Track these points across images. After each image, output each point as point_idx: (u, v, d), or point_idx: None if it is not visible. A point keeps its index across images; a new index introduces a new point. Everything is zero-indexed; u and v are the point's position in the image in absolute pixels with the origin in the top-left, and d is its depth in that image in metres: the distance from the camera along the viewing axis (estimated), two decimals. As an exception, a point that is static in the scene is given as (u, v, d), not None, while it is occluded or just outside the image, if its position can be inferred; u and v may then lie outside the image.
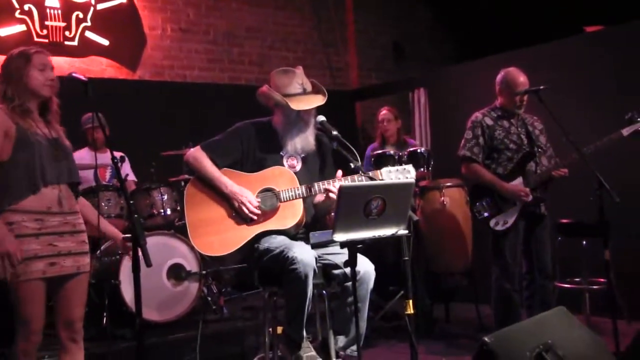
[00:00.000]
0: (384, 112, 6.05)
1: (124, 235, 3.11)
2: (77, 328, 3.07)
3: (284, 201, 3.41)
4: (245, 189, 3.41)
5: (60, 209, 2.98)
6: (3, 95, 2.97)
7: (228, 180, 3.42)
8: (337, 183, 3.33)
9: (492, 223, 4.29)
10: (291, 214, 3.40)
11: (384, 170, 3.36)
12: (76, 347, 3.08)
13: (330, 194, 3.33)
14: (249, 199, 3.38)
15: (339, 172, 3.41)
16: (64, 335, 3.06)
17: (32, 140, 2.93)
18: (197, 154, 3.49)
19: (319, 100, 3.48)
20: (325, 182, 3.38)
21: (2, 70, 3.02)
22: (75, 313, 3.07)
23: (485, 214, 4.32)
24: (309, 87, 3.53)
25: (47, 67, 3.02)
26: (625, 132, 4.03)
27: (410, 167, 3.38)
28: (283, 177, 3.45)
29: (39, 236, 2.90)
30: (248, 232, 3.40)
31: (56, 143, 3.02)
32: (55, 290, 3.03)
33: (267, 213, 3.41)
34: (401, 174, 3.33)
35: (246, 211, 3.36)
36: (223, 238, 3.41)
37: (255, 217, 3.39)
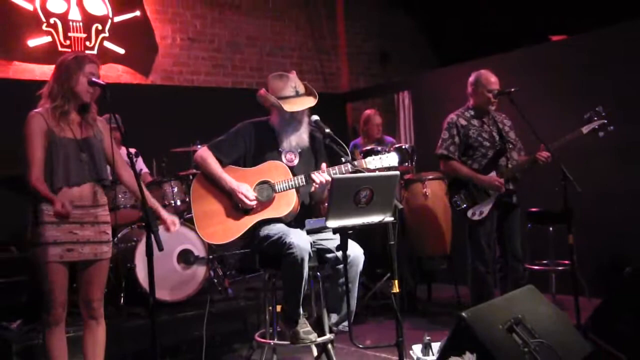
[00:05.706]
0: (377, 116, 6.04)
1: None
2: (95, 306, 3.08)
3: (279, 192, 3.42)
4: (242, 184, 3.42)
5: (82, 203, 2.97)
6: (49, 93, 2.97)
7: (228, 177, 3.44)
8: (321, 174, 3.34)
9: (469, 214, 4.28)
10: (286, 203, 3.42)
11: (369, 159, 3.38)
12: (96, 324, 3.10)
13: (314, 184, 3.36)
14: (246, 193, 3.39)
15: (323, 165, 3.41)
16: (85, 313, 3.10)
17: (60, 145, 2.92)
18: (204, 154, 3.51)
19: (310, 101, 3.48)
20: (315, 172, 3.39)
21: (55, 68, 3.00)
22: (94, 294, 3.08)
23: (463, 206, 4.30)
24: (301, 90, 3.53)
25: (94, 77, 2.98)
26: (585, 129, 4.09)
27: (392, 154, 3.40)
28: (278, 170, 3.46)
29: (59, 224, 2.91)
30: (248, 221, 3.42)
31: (85, 144, 3.00)
32: (78, 273, 3.05)
33: (265, 203, 3.42)
34: (385, 161, 3.36)
35: (245, 203, 3.38)
36: (225, 227, 3.43)
37: (253, 207, 3.40)
